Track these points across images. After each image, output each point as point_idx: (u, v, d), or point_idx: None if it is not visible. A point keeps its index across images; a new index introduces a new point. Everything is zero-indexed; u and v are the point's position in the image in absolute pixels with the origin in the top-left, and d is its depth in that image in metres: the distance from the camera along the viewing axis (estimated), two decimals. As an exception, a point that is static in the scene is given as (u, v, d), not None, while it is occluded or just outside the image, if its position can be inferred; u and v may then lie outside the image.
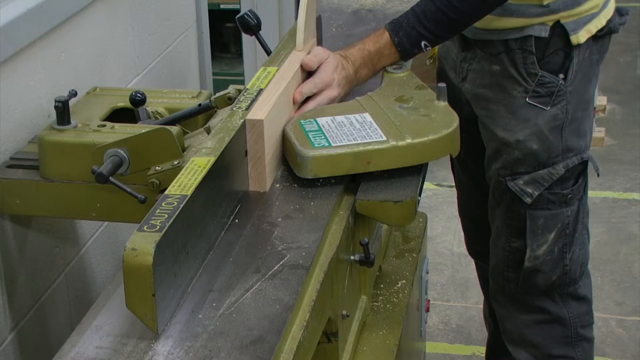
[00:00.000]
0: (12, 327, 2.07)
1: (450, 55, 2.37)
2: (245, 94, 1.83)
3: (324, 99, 1.96)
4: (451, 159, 2.55)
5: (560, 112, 2.22)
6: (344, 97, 2.00)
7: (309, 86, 1.95)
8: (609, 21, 2.24)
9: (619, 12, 2.29)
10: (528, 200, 2.26)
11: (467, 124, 2.29)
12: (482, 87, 2.27)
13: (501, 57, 2.22)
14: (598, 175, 2.38)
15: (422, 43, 2.04)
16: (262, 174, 1.72)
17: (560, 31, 2.18)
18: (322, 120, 1.85)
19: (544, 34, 2.18)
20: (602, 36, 2.24)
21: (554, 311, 2.39)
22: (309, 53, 2.02)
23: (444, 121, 1.85)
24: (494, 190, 2.35)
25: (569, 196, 2.28)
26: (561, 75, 2.20)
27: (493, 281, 2.44)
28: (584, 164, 2.29)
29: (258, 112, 1.73)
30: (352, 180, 1.79)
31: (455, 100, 2.25)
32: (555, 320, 2.41)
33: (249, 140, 1.70)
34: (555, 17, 2.17)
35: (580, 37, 2.19)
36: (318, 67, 1.98)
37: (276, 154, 1.79)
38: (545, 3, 2.16)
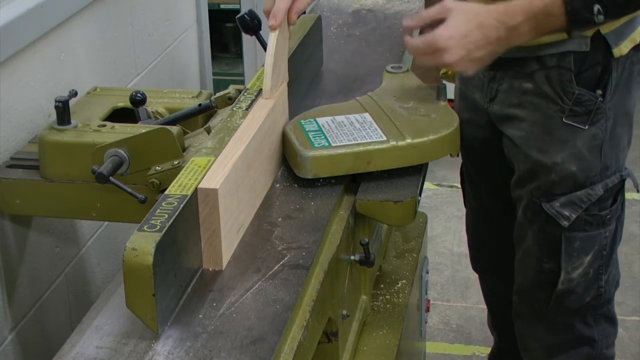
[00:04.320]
0: (12, 327, 2.07)
1: (476, 75, 2.16)
2: (245, 94, 1.83)
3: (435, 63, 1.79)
4: (461, 175, 2.47)
5: (599, 131, 2.05)
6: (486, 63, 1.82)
7: (417, 45, 1.78)
8: None
9: None
10: (565, 223, 2.11)
11: (486, 147, 2.23)
12: (513, 107, 2.12)
13: (534, 75, 2.05)
14: (638, 191, 2.24)
15: (596, 7, 1.80)
16: (217, 249, 1.50)
17: (599, 43, 2.00)
18: (322, 120, 1.85)
19: (585, 47, 1.99)
20: None
21: (584, 332, 2.27)
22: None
23: (444, 121, 1.85)
24: (525, 210, 2.19)
25: (608, 217, 2.14)
26: (599, 91, 2.03)
27: (519, 299, 2.31)
28: (621, 182, 2.14)
29: (212, 180, 1.50)
30: (352, 180, 1.79)
31: (476, 121, 2.19)
32: (584, 341, 2.28)
33: (201, 212, 1.47)
34: (595, 27, 1.96)
35: (623, 48, 2.03)
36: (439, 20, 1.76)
37: (235, 224, 1.55)
38: None
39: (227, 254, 1.52)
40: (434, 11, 1.80)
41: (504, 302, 2.53)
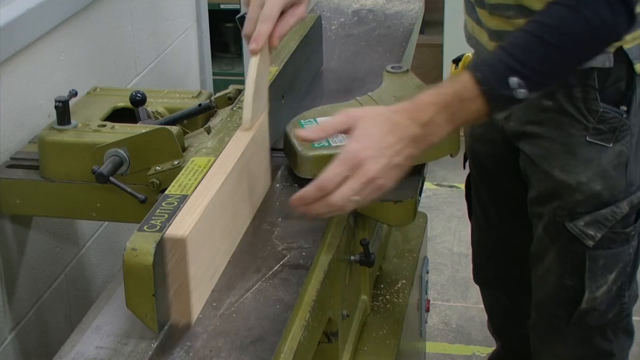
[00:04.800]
0: (12, 327, 2.07)
1: None
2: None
3: (362, 185, 1.48)
4: (466, 188, 2.43)
5: (625, 148, 1.99)
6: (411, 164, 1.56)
7: (310, 190, 1.48)
8: None
9: None
10: (590, 243, 2.04)
11: (498, 163, 2.19)
12: (531, 124, 2.05)
13: (556, 93, 1.97)
14: None
15: (513, 80, 1.55)
16: (185, 302, 1.36)
17: (622, 58, 1.93)
18: (322, 120, 1.85)
19: (608, 64, 1.92)
20: None
21: (603, 347, 2.22)
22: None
23: (444, 121, 1.85)
24: (547, 228, 2.13)
25: (632, 233, 2.07)
26: (623, 107, 1.96)
27: (537, 315, 2.26)
28: None
29: (181, 225, 1.35)
30: (352, 180, 1.79)
31: (490, 138, 2.16)
32: (603, 356, 2.23)
33: (168, 261, 1.32)
34: (617, 43, 1.89)
35: None
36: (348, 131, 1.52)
37: (208, 272, 1.42)
38: None
39: (197, 305, 1.38)
40: (336, 122, 1.53)
41: (506, 313, 2.52)
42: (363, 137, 1.50)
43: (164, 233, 1.33)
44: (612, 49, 1.91)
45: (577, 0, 1.59)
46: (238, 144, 1.58)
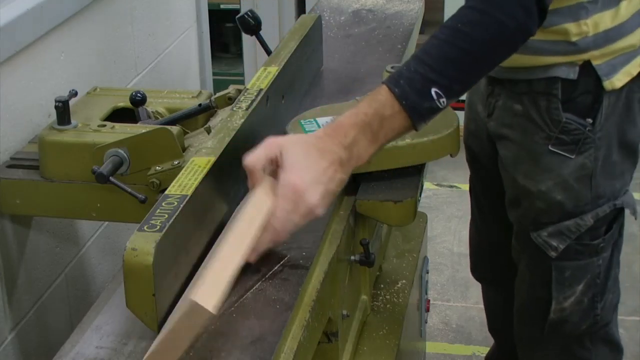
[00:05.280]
0: (12, 327, 2.07)
1: (480, 88, 2.15)
2: (245, 94, 1.83)
3: (303, 215, 1.44)
4: (470, 186, 2.44)
5: (588, 161, 1.98)
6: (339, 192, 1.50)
7: (279, 208, 1.43)
8: None
9: None
10: (552, 254, 2.05)
11: (488, 160, 2.20)
12: (505, 127, 2.06)
13: (523, 98, 1.99)
14: (635, 218, 2.16)
15: (433, 90, 1.50)
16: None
17: (590, 72, 1.93)
18: (322, 120, 1.85)
19: (573, 75, 1.93)
20: None
21: (582, 356, 2.22)
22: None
23: (444, 121, 1.85)
24: (517, 236, 2.15)
25: (601, 245, 2.08)
26: (588, 120, 1.96)
27: (517, 322, 2.28)
28: (618, 209, 2.07)
29: (209, 295, 1.26)
30: (352, 180, 1.79)
31: (478, 135, 2.17)
32: None
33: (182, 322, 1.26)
34: (585, 56, 1.92)
35: (616, 81, 1.95)
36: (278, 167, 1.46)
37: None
38: (573, 40, 1.90)
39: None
40: (263, 152, 1.47)
41: (501, 312, 2.52)
42: (295, 166, 1.44)
43: (195, 297, 1.23)
44: (579, 61, 1.92)
45: (489, 3, 1.55)
46: (260, 209, 1.44)
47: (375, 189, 1.75)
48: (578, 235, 2.04)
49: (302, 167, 1.44)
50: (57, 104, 1.96)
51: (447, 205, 4.16)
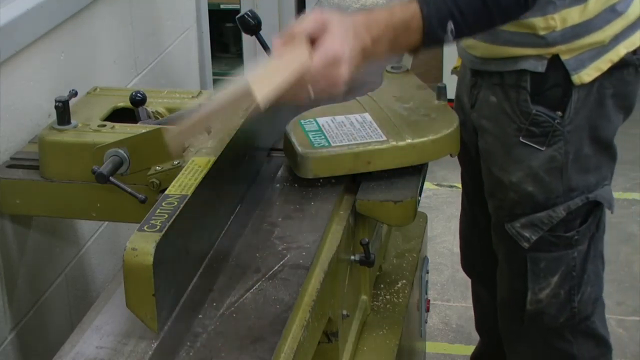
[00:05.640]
0: (12, 327, 2.07)
1: (465, 79, 2.21)
2: (245, 94, 1.83)
3: (330, 83, 1.56)
4: (462, 178, 2.46)
5: (557, 154, 2.03)
6: (354, 77, 1.61)
7: (316, 65, 1.52)
8: (633, 52, 2.01)
9: None
10: (525, 245, 2.10)
11: (474, 153, 2.22)
12: (484, 119, 2.12)
13: (496, 90, 2.05)
14: (612, 212, 2.18)
15: (450, 24, 1.68)
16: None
17: (558, 66, 1.98)
18: (322, 120, 1.85)
19: (541, 68, 1.98)
20: (620, 67, 2.02)
21: (563, 348, 2.24)
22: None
23: (444, 121, 1.85)
24: (494, 227, 2.20)
25: (575, 238, 2.10)
26: (558, 113, 2.01)
27: (500, 316, 2.31)
28: (593, 203, 2.09)
29: (263, 88, 1.40)
30: (352, 180, 1.79)
31: (466, 125, 2.18)
32: (565, 358, 2.26)
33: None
34: (552, 50, 1.97)
35: (585, 76, 1.99)
36: (317, 35, 1.56)
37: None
38: (541, 34, 1.95)
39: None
40: (310, 24, 1.56)
41: (487, 309, 2.53)
42: (338, 37, 1.55)
43: (251, 81, 1.36)
44: (548, 55, 1.97)
45: None
46: (297, 58, 1.53)
47: (375, 189, 1.76)
48: (551, 227, 2.08)
49: (343, 40, 1.55)
50: (57, 104, 1.96)
51: (447, 205, 4.16)
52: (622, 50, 2.00)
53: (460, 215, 2.56)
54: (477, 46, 2.07)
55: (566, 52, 1.98)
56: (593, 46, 1.98)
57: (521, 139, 2.04)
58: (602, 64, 1.99)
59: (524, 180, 2.06)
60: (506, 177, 2.08)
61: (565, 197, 2.06)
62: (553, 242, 2.10)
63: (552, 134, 2.02)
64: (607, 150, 2.10)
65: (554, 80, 2.00)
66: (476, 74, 2.12)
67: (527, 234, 2.09)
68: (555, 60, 1.98)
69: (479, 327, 2.73)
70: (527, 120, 2.02)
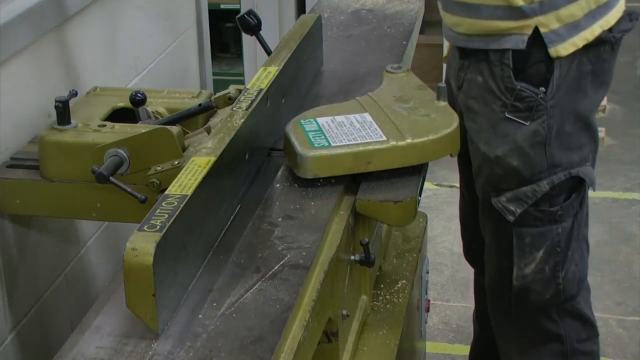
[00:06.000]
0: (12, 327, 2.07)
1: (452, 63, 2.30)
2: (245, 94, 1.83)
3: None
4: (458, 165, 2.50)
5: (541, 128, 2.13)
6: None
7: None
8: (609, 30, 2.13)
9: (629, 16, 2.17)
10: (511, 218, 2.18)
11: (463, 135, 2.22)
12: (472, 99, 2.21)
13: (483, 69, 2.15)
14: (594, 189, 2.28)
15: None
16: None
17: (540, 42, 2.09)
18: (322, 120, 1.85)
19: (522, 45, 2.09)
20: (597, 45, 2.13)
21: (550, 328, 2.32)
22: None
23: (444, 121, 1.85)
24: (482, 206, 2.28)
25: (559, 213, 2.19)
26: (542, 89, 2.11)
27: (489, 297, 2.38)
28: (575, 179, 2.19)
29: None
30: (352, 180, 1.79)
31: (454, 109, 2.24)
32: (551, 338, 2.34)
33: None
34: (530, 22, 2.07)
35: (561, 50, 2.09)
36: None
37: None
38: (520, 4, 2.06)
39: None
40: None
41: (486, 297, 2.56)
42: None
43: None
44: (527, 31, 2.07)
45: None
46: None
47: (375, 189, 1.75)
48: (536, 202, 2.17)
49: None
50: (57, 104, 1.96)
51: (447, 205, 4.16)
52: (597, 29, 2.11)
53: (459, 202, 2.61)
54: (462, 23, 2.16)
55: (544, 25, 2.07)
56: (570, 19, 2.08)
57: (506, 115, 2.14)
58: (579, 41, 2.09)
59: (509, 154, 2.15)
60: (492, 152, 2.17)
61: (550, 173, 2.16)
62: (538, 217, 2.19)
63: (535, 108, 2.11)
64: (587, 130, 2.19)
65: (537, 58, 2.10)
66: (464, 56, 2.21)
67: (512, 208, 2.17)
68: (536, 36, 2.08)
69: (478, 315, 2.74)
70: (511, 95, 2.12)
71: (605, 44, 2.14)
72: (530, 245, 2.20)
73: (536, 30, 2.08)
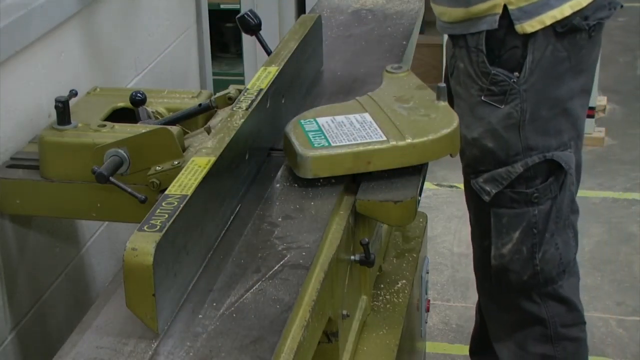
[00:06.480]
0: (12, 327, 2.07)
1: (448, 53, 2.41)
2: (245, 94, 1.83)
3: None
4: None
5: (514, 111, 2.22)
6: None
7: None
8: (580, 15, 2.18)
9: (609, 5, 2.23)
10: (486, 198, 2.28)
11: None
12: (458, 85, 2.31)
13: (463, 54, 2.25)
14: (570, 174, 2.33)
15: None
16: None
17: (508, 22, 2.17)
18: (322, 120, 1.85)
19: (494, 25, 2.17)
20: (572, 32, 2.19)
21: (532, 311, 2.39)
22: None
23: (444, 121, 1.85)
24: (465, 187, 2.38)
25: (535, 195, 2.27)
26: (516, 74, 2.20)
27: (476, 278, 2.49)
28: (552, 163, 2.26)
29: None
30: (352, 180, 1.79)
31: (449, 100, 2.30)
32: (534, 320, 2.40)
33: None
34: (499, 0, 2.15)
35: (527, 27, 2.16)
36: None
37: None
38: None
39: None
40: None
41: None
42: None
43: None
44: (497, 9, 2.15)
45: None
46: None
47: (375, 189, 1.75)
48: (511, 183, 2.26)
49: None
50: (57, 104, 1.96)
51: (447, 205, 4.16)
52: (567, 9, 2.16)
53: (464, 188, 2.63)
54: (445, 12, 2.27)
55: (513, 3, 2.16)
56: None
57: (483, 98, 2.23)
58: (547, 19, 2.16)
59: (484, 135, 2.24)
60: (470, 134, 2.26)
61: (525, 155, 2.24)
62: (514, 198, 2.27)
63: (509, 92, 2.20)
64: (565, 116, 2.26)
65: (512, 43, 2.19)
66: (453, 45, 2.31)
67: (488, 188, 2.27)
68: (508, 19, 2.16)
69: (479, 306, 2.77)
70: (487, 80, 2.21)
71: (580, 31, 2.20)
72: (507, 225, 2.28)
73: (506, 10, 2.16)
